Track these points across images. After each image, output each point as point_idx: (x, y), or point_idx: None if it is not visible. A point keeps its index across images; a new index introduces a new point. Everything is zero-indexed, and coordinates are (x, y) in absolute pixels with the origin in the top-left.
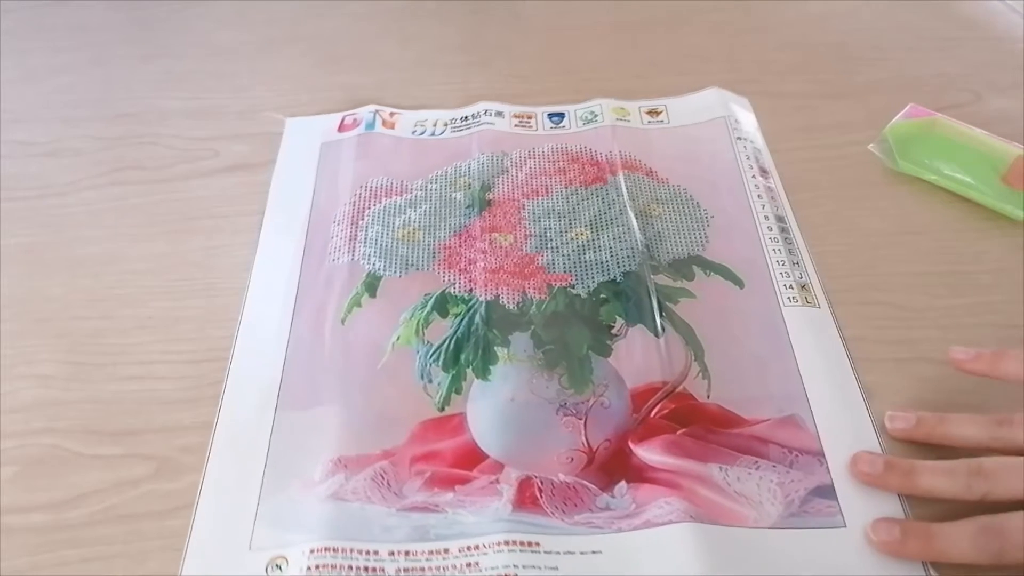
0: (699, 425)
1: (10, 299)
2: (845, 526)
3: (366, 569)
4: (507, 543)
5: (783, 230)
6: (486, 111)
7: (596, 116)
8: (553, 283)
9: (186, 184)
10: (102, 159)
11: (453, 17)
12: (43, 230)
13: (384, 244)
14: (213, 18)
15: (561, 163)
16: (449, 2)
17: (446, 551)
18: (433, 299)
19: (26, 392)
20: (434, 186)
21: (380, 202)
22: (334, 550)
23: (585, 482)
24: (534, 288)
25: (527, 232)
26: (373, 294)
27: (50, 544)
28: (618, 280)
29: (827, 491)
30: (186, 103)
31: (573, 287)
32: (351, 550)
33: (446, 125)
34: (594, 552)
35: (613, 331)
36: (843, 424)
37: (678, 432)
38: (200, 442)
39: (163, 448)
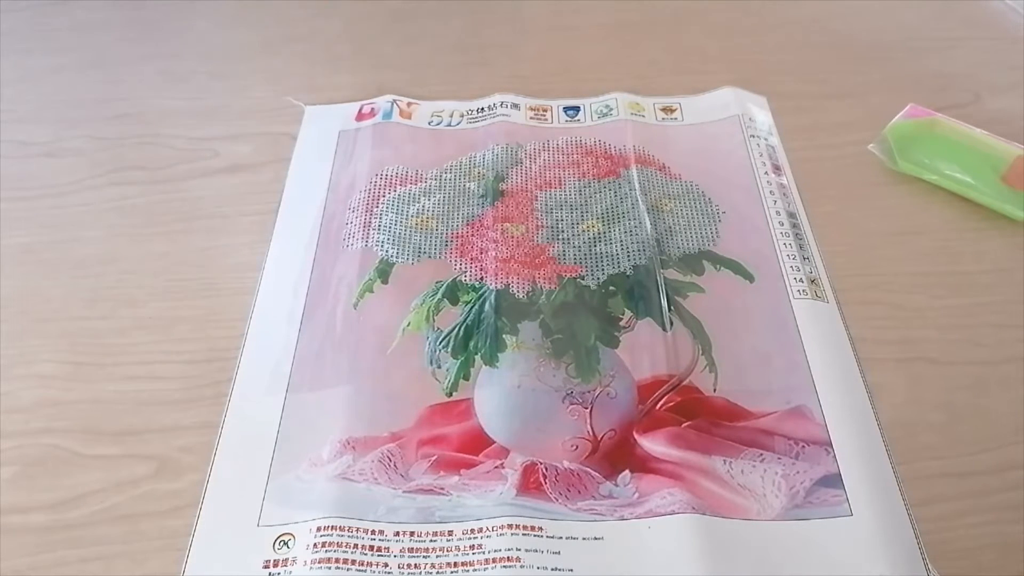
0: (704, 418)
1: (10, 299)
2: (852, 515)
3: (371, 548)
4: (511, 527)
5: (794, 225)
6: (502, 103)
7: (611, 110)
8: (563, 274)
9: (186, 184)
10: (102, 159)
11: (453, 17)
12: (43, 230)
13: (397, 232)
14: (213, 18)
15: (575, 156)
16: (449, 2)
17: (450, 533)
18: (444, 286)
19: (26, 392)
20: (448, 176)
21: (395, 190)
22: (340, 529)
23: (589, 469)
24: (544, 278)
25: (539, 223)
26: (385, 280)
27: (50, 544)
28: (628, 273)
29: (834, 480)
30: (186, 103)
31: (583, 278)
32: (357, 529)
33: (462, 116)
34: (596, 538)
35: (621, 323)
36: (850, 413)
37: (683, 425)
38: (200, 442)
39: (163, 448)
